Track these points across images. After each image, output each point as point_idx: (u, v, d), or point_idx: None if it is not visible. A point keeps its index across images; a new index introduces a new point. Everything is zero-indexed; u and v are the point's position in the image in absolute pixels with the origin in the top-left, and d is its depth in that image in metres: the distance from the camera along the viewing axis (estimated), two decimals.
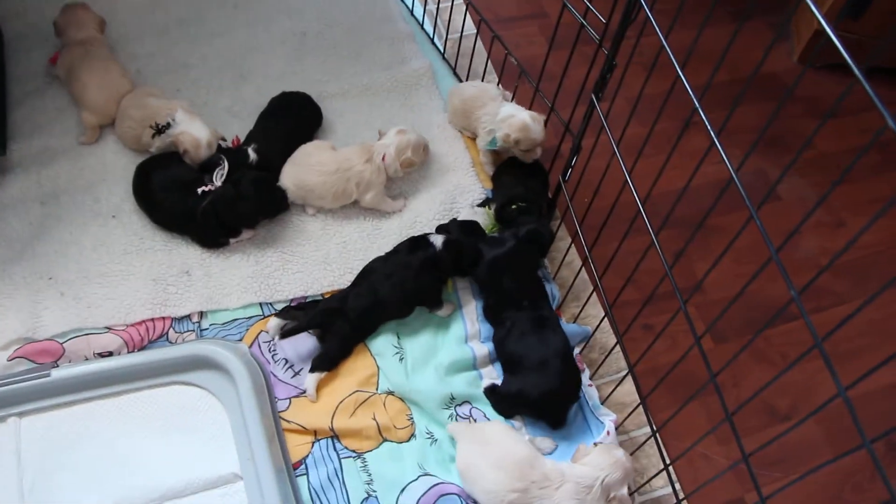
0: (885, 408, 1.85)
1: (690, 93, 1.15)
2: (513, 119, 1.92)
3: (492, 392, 1.69)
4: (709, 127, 1.10)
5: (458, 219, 1.90)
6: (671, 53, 1.22)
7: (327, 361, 1.70)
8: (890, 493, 0.83)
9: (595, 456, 1.46)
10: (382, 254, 1.83)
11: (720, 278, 1.94)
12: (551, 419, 1.65)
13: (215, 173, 1.84)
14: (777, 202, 2.24)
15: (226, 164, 1.85)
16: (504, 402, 1.67)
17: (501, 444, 1.50)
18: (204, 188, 1.81)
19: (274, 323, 1.73)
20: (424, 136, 2.01)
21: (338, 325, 1.70)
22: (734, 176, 1.05)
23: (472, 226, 1.86)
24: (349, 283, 1.80)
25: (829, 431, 1.81)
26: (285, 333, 1.70)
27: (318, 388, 1.68)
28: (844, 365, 1.91)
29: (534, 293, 1.76)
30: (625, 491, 1.44)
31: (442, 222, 1.94)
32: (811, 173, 2.33)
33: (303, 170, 1.91)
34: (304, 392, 1.67)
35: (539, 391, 1.61)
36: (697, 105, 1.12)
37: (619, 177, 1.48)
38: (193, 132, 1.86)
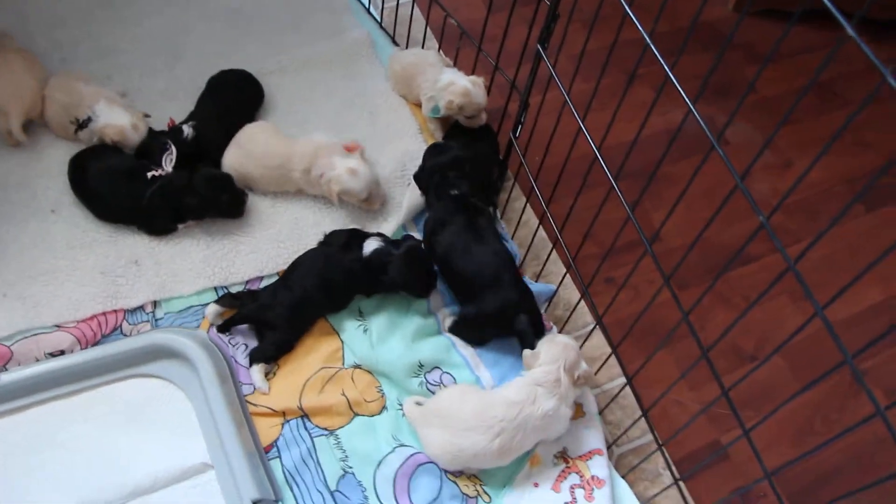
0: (846, 338, 1.89)
1: (640, 29, 1.14)
2: (454, 86, 1.90)
3: (457, 325, 1.70)
4: (662, 62, 1.09)
5: (412, 244, 1.70)
6: None
7: (264, 355, 1.64)
8: (875, 404, 0.84)
9: (544, 353, 1.50)
10: (334, 229, 1.79)
11: (676, 226, 1.96)
12: (526, 340, 1.61)
13: (164, 158, 1.77)
14: (725, 146, 2.26)
15: (173, 147, 1.79)
16: (470, 327, 1.69)
17: (454, 408, 1.49)
18: (154, 173, 1.74)
19: (212, 310, 1.68)
20: (382, 189, 1.90)
21: (270, 321, 1.65)
22: (691, 107, 1.04)
23: (415, 259, 1.67)
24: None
25: (794, 367, 1.84)
26: (220, 327, 1.67)
27: (281, 367, 1.65)
28: (802, 302, 1.95)
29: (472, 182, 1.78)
30: (584, 366, 1.50)
31: (394, 188, 1.92)
32: (756, 118, 2.36)
33: (247, 160, 1.85)
34: (255, 389, 1.62)
35: (497, 305, 1.60)
36: (648, 41, 1.10)
37: (569, 131, 1.48)
38: (114, 122, 1.78)
